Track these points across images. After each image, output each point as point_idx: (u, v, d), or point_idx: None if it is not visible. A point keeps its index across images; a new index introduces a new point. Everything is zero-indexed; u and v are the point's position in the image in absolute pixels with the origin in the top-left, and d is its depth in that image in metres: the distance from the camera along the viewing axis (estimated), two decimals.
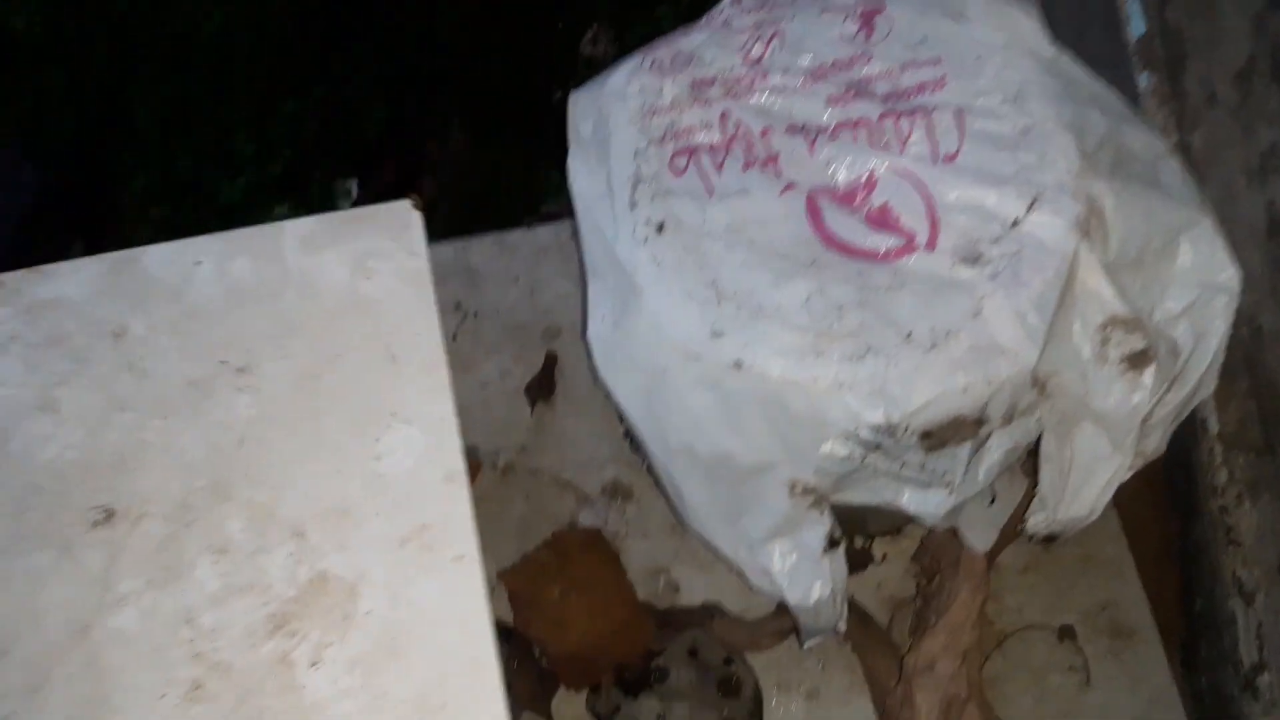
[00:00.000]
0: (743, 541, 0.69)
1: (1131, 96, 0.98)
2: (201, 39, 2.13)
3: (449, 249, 1.05)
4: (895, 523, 0.88)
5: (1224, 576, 0.89)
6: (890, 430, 0.62)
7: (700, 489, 0.69)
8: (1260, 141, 0.80)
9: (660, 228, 0.68)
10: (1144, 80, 0.97)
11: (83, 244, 1.95)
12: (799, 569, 0.68)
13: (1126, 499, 0.87)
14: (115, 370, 0.66)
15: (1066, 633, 0.83)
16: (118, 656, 0.59)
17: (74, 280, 0.69)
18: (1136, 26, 0.99)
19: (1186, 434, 0.93)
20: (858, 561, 0.86)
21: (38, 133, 2.04)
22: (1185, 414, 0.74)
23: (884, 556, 0.86)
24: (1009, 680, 0.82)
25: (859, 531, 0.87)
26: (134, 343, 0.67)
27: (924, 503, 0.67)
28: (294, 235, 0.70)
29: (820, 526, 0.67)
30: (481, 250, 1.05)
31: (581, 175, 0.72)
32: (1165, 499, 0.94)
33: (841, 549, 0.68)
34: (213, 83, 2.09)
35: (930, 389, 0.61)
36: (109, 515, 0.62)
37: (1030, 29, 0.73)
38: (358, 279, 0.69)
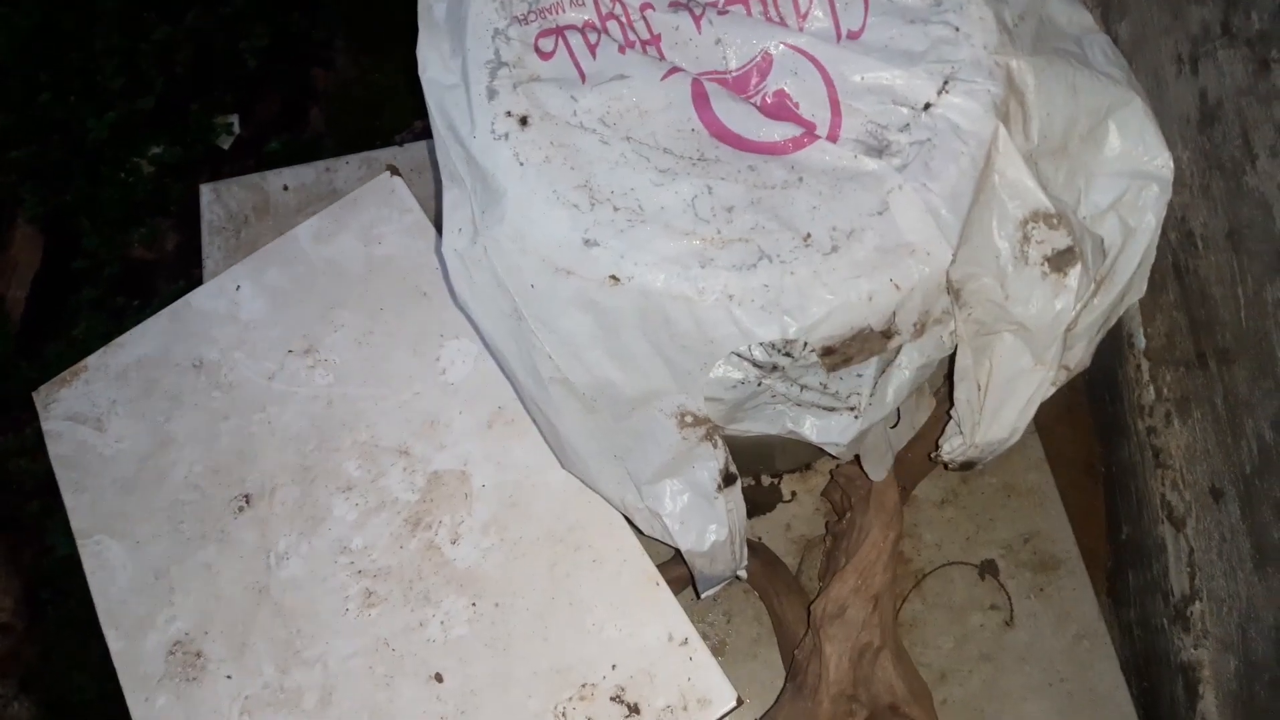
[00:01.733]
0: (628, 482, 0.61)
1: None
2: None
3: (310, 171, 0.94)
4: (804, 458, 0.81)
5: (1152, 502, 0.84)
6: (787, 348, 0.54)
7: (578, 425, 0.60)
8: (1190, 24, 0.73)
9: (524, 121, 0.59)
10: None
11: None
12: (691, 510, 0.60)
13: (1048, 422, 0.81)
14: (207, 392, 0.80)
15: (988, 568, 0.77)
16: (297, 599, 0.72)
17: (144, 340, 0.82)
18: None
19: (1111, 351, 0.87)
20: (765, 501, 0.79)
21: None
22: (1112, 322, 0.67)
23: (793, 495, 0.79)
24: (928, 622, 0.76)
25: (766, 469, 0.79)
26: (212, 367, 0.81)
27: (828, 430, 0.59)
28: (307, 234, 0.84)
29: (713, 461, 0.59)
30: (347, 173, 0.94)
31: (433, 64, 0.62)
32: (1089, 421, 0.88)
33: (739, 486, 0.60)
34: (74, 7, 1.91)
35: (831, 298, 0.53)
36: (247, 499, 0.76)
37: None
38: (371, 247, 0.83)
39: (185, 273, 1.72)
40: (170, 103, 1.87)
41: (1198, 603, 0.80)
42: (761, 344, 0.54)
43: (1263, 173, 0.67)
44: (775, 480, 0.80)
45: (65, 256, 1.78)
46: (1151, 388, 0.82)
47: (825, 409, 0.59)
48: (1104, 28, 0.85)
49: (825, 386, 0.57)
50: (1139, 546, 0.87)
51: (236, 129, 1.86)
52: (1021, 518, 0.78)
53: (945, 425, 0.63)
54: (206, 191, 0.91)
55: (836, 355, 0.54)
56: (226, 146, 1.86)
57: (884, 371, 0.58)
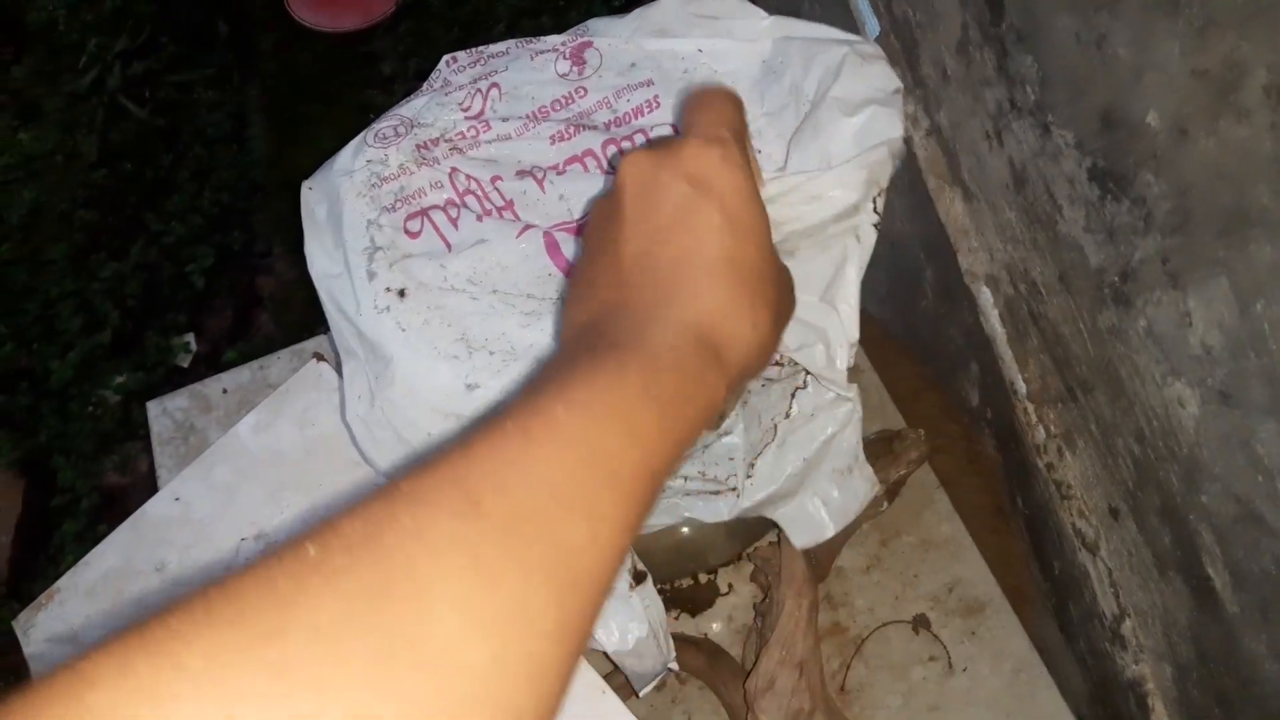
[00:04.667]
0: None
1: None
2: (10, 222, 2.07)
3: (246, 372, 1.01)
4: (735, 549, 0.86)
5: (1067, 533, 0.89)
6: None
7: None
8: (988, 104, 0.82)
9: (402, 293, 0.66)
10: None
11: None
12: (609, 614, 0.65)
13: (953, 475, 0.87)
14: (169, 591, 0.83)
15: (920, 622, 0.81)
16: None
17: (109, 555, 0.87)
18: (872, 27, 1.03)
19: (1001, 401, 0.94)
20: (705, 598, 0.84)
21: None
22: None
23: (730, 587, 0.84)
24: (874, 684, 0.80)
25: (700, 567, 0.84)
26: (173, 568, 0.86)
27: (717, 511, 0.65)
28: (247, 429, 0.90)
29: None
30: (279, 366, 1.01)
31: (319, 258, 0.70)
32: (990, 468, 0.94)
33: (649, 582, 0.65)
34: (23, 260, 2.02)
35: None
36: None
37: (749, 27, 0.74)
38: (306, 430, 0.89)
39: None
40: (127, 333, 1.97)
41: (1127, 620, 0.84)
42: None
43: (1069, 219, 0.75)
44: (712, 576, 0.85)
45: (44, 496, 1.84)
46: (1040, 428, 0.88)
47: (711, 493, 0.65)
48: (929, 121, 0.95)
49: (704, 474, 0.63)
50: (1069, 578, 0.91)
51: (193, 346, 1.95)
52: (942, 568, 0.83)
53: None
54: (153, 407, 0.97)
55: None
56: (186, 364, 1.94)
57: (759, 453, 0.64)
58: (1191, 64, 0.56)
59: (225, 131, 2.18)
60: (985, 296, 0.91)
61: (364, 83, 2.12)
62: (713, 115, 0.46)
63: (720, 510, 0.64)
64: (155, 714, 0.21)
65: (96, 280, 2.01)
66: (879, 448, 0.79)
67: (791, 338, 0.57)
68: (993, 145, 0.84)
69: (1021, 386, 0.89)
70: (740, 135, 0.46)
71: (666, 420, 0.34)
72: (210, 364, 1.91)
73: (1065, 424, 0.85)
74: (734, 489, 0.63)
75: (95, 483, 1.82)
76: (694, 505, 0.64)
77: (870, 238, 0.58)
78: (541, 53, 0.74)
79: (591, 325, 0.40)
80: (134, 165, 2.16)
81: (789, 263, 0.59)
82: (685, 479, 0.62)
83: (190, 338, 1.96)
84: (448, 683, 0.25)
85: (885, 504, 0.77)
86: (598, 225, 0.45)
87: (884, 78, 0.66)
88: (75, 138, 2.22)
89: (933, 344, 1.08)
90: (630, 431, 0.32)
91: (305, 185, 0.74)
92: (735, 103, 0.48)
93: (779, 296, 0.44)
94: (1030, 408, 0.89)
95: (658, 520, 0.66)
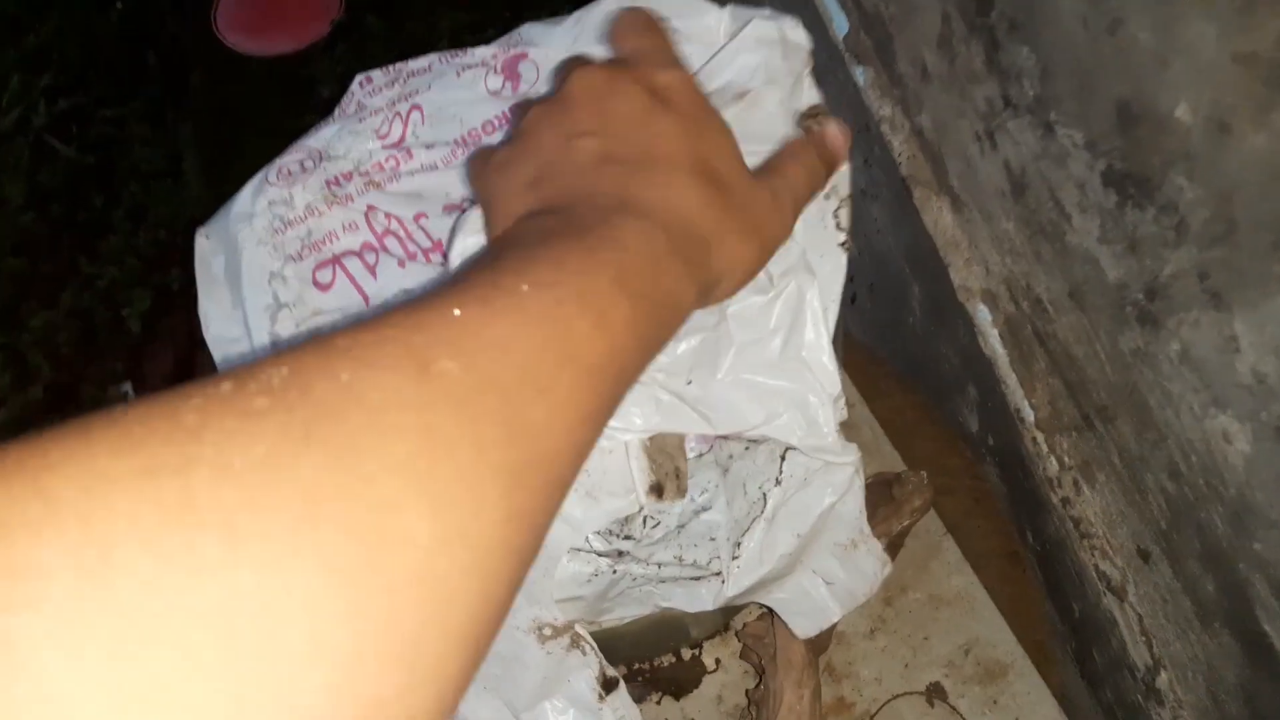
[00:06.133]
0: (506, 713, 0.56)
1: (854, 96, 0.92)
2: None
3: None
4: (721, 619, 0.76)
5: (1089, 575, 0.79)
6: (624, 530, 0.50)
7: None
8: (977, 102, 0.73)
9: None
10: (861, 76, 0.91)
11: None
12: None
13: (958, 520, 0.77)
14: None
15: (935, 692, 0.72)
16: None
17: None
18: (840, 24, 0.94)
19: (1004, 427, 0.85)
20: (689, 677, 0.74)
21: None
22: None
23: (717, 663, 0.74)
24: None
25: (681, 642, 0.74)
26: None
27: (700, 599, 0.55)
28: None
29: (587, 670, 0.54)
30: None
31: (215, 320, 0.60)
32: (998, 505, 0.85)
33: (622, 688, 0.55)
34: None
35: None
36: None
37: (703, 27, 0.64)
38: None
39: None
40: (61, 385, 1.85)
41: (1163, 672, 0.75)
42: (596, 533, 0.50)
43: (1080, 229, 0.66)
44: (696, 651, 0.75)
45: None
46: (1053, 458, 0.79)
47: (691, 579, 0.55)
48: (909, 123, 0.86)
49: (681, 559, 0.53)
50: (1093, 623, 0.82)
51: (131, 395, 1.83)
52: (956, 628, 0.73)
53: None
54: None
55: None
56: None
57: (746, 530, 0.54)
58: (1233, 47, 0.47)
59: (160, 167, 2.06)
60: (983, 314, 0.82)
61: (301, 109, 2.01)
62: (659, 41, 0.45)
63: (703, 599, 0.54)
64: (8, 554, 0.18)
65: (26, 331, 1.89)
66: (878, 494, 0.69)
67: (753, 412, 0.47)
68: (985, 148, 0.75)
69: (1029, 413, 0.80)
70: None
71: (638, 314, 0.32)
72: None
73: (1082, 455, 0.76)
74: (718, 573, 0.53)
75: None
76: (671, 594, 0.55)
77: (837, 261, 0.49)
78: (469, 67, 0.64)
79: (543, 216, 0.37)
80: (64, 207, 2.04)
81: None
82: (660, 565, 0.53)
83: (128, 387, 1.85)
84: (382, 555, 0.21)
85: (889, 561, 0.67)
86: (535, 128, 0.42)
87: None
88: (1, 181, 2.10)
89: (923, 366, 0.99)
90: (600, 320, 0.30)
91: (200, 233, 0.64)
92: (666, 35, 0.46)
93: (758, 212, 0.42)
94: (1040, 436, 0.80)
95: (632, 611, 0.56)
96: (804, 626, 0.60)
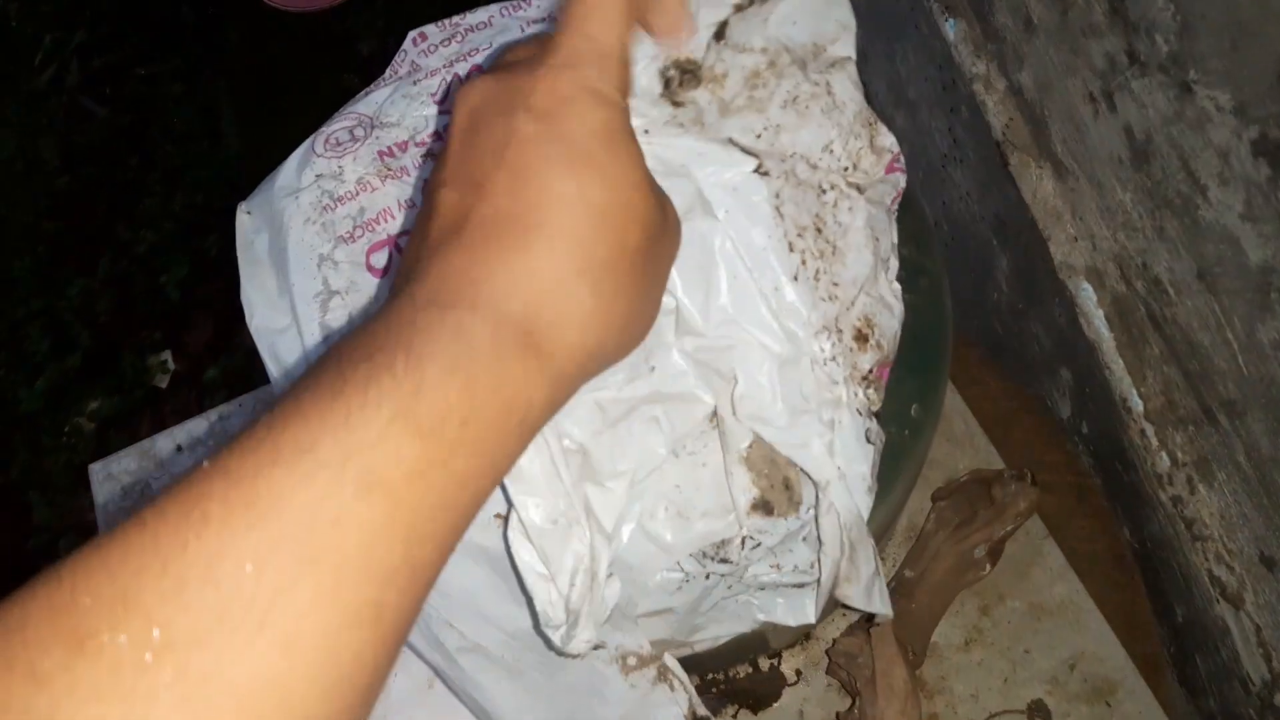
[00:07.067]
0: None
1: (940, 51, 0.84)
2: None
3: (203, 423, 0.86)
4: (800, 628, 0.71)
5: (1200, 579, 0.73)
6: (719, 553, 0.45)
7: (506, 696, 0.50)
8: (1094, 58, 0.66)
9: None
10: (951, 29, 0.83)
11: None
12: None
13: (1060, 519, 0.71)
14: None
15: (1037, 711, 0.66)
16: None
17: None
18: None
19: (1108, 417, 0.78)
20: (768, 691, 0.68)
21: None
22: None
23: (798, 675, 0.68)
24: None
25: (760, 651, 0.69)
26: None
27: (804, 610, 0.49)
28: None
29: (675, 708, 0.48)
30: (241, 415, 0.86)
31: (260, 307, 0.54)
32: (1103, 503, 0.78)
33: None
34: None
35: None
36: None
37: None
38: None
39: None
40: (100, 353, 1.82)
41: None
42: (691, 555, 0.45)
43: (1217, 204, 0.59)
44: (775, 661, 0.70)
45: (18, 538, 1.70)
46: (1164, 453, 0.72)
47: (794, 586, 0.49)
48: (1006, 82, 0.78)
49: (779, 567, 0.47)
50: (1200, 629, 0.76)
51: (171, 365, 1.80)
52: (1060, 641, 0.67)
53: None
54: (97, 471, 0.82)
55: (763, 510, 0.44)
56: (164, 385, 1.79)
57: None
58: None
59: (196, 127, 2.02)
60: (1086, 294, 0.75)
61: (340, 66, 1.95)
62: (593, 10, 0.35)
63: (806, 611, 0.48)
64: None
65: (64, 298, 1.86)
66: (975, 493, 0.63)
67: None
68: (1100, 110, 0.67)
69: (1137, 403, 0.73)
70: (623, 32, 0.35)
71: (436, 452, 0.27)
72: (190, 384, 1.76)
73: (1199, 451, 0.69)
74: (817, 578, 0.47)
75: (72, 520, 1.68)
76: (771, 604, 0.49)
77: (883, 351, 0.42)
78: (535, 21, 0.58)
79: (372, 321, 0.31)
80: (99, 169, 2.00)
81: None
82: (755, 575, 0.47)
83: (167, 355, 1.81)
84: None
85: (988, 567, 0.61)
86: (433, 170, 0.36)
87: None
88: (35, 142, 2.06)
89: (1006, 346, 0.92)
90: (366, 483, 0.26)
91: (241, 209, 0.58)
92: None
93: (646, 257, 0.34)
94: (1149, 429, 0.73)
95: (727, 629, 0.51)
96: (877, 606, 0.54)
